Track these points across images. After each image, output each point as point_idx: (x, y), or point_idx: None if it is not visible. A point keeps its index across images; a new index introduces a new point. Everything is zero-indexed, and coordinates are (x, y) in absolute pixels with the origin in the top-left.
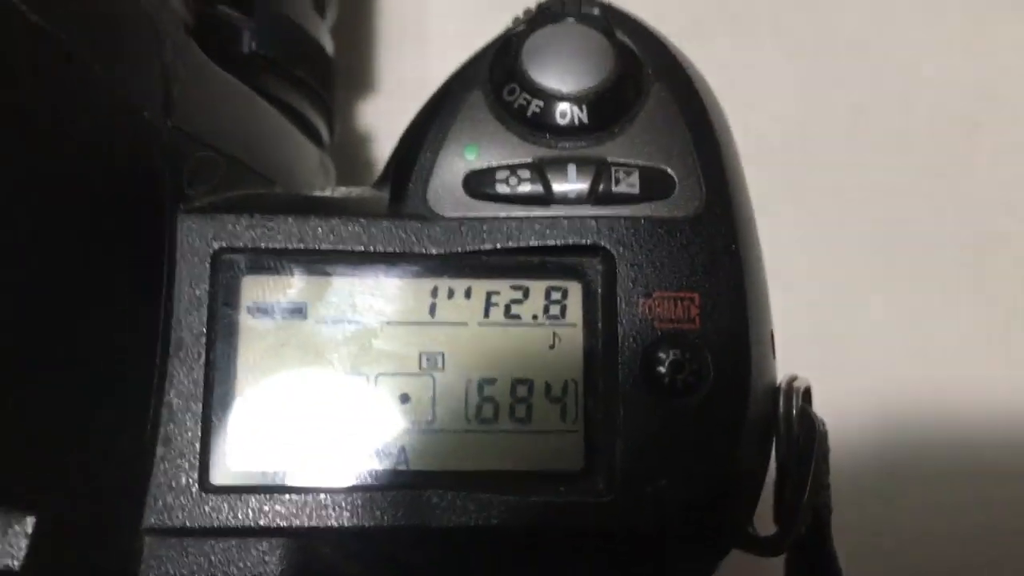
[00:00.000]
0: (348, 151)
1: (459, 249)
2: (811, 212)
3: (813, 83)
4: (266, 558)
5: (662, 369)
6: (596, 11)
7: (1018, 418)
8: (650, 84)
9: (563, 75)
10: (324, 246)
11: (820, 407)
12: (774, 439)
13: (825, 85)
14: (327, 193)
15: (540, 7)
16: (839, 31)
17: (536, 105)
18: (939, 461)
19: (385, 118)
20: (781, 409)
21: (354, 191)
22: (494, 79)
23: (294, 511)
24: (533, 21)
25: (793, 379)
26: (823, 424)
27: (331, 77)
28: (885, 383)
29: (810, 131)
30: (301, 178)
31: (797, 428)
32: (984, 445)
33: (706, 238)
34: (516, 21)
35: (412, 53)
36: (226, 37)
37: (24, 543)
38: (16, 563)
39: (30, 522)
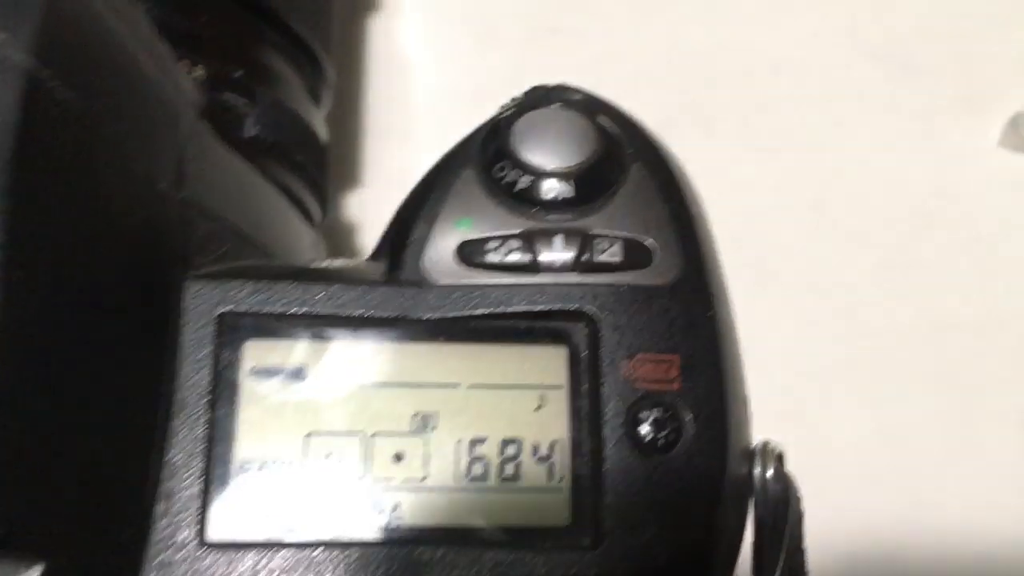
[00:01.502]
0: (334, 239)
1: (452, 314)
2: (775, 302)
3: (776, 179)
4: None
5: (644, 427)
6: (579, 97)
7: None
8: (630, 163)
9: (550, 153)
10: (324, 311)
11: None
12: (752, 499)
13: (788, 181)
14: (324, 264)
15: (527, 93)
16: (800, 130)
17: (525, 181)
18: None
19: (370, 207)
20: (758, 469)
21: (350, 262)
22: (485, 157)
23: (291, 566)
24: (521, 106)
25: (767, 442)
26: (797, 485)
27: (325, 161)
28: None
29: (774, 224)
30: (297, 254)
31: (773, 488)
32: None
33: (684, 303)
34: (504, 107)
35: (397, 147)
36: (231, 121)
37: None
38: None
39: (38, 570)
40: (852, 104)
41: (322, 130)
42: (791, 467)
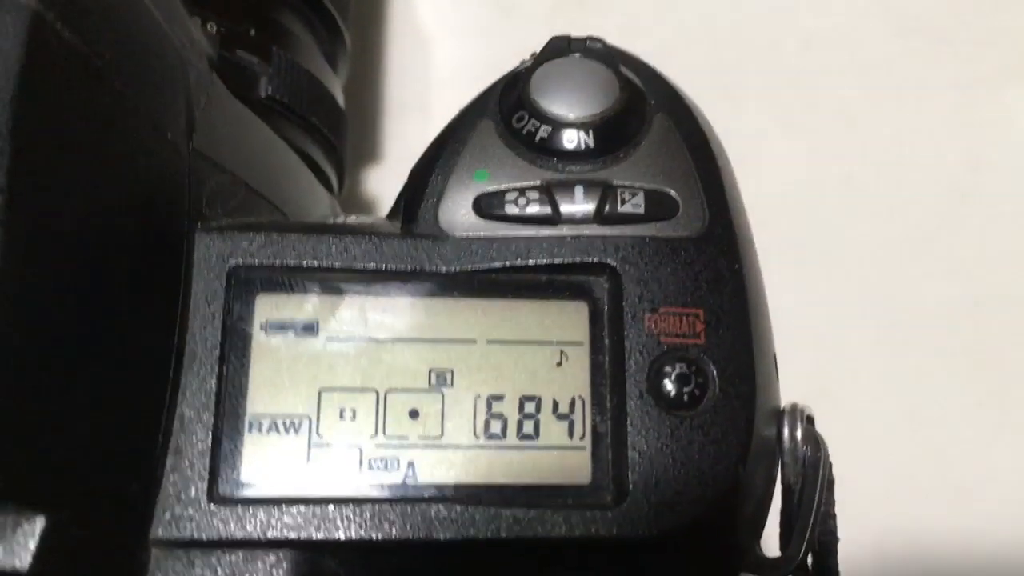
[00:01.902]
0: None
1: (469, 267)
2: (806, 279)
3: (807, 154)
4: (273, 570)
5: (668, 382)
6: (600, 47)
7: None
8: (652, 113)
9: (570, 103)
10: (337, 264)
11: None
12: (779, 460)
13: (817, 156)
14: (339, 220)
15: (548, 43)
16: (831, 104)
17: (544, 131)
18: None
19: (389, 182)
20: (787, 429)
21: (366, 219)
22: (503, 108)
23: (302, 523)
24: (540, 56)
25: (795, 404)
26: (828, 448)
27: (342, 127)
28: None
29: (802, 199)
30: (312, 214)
31: (802, 449)
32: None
33: (709, 256)
34: (523, 61)
35: (416, 121)
36: (245, 79)
37: (32, 543)
38: (23, 564)
39: (39, 522)
40: (885, 77)
41: (340, 95)
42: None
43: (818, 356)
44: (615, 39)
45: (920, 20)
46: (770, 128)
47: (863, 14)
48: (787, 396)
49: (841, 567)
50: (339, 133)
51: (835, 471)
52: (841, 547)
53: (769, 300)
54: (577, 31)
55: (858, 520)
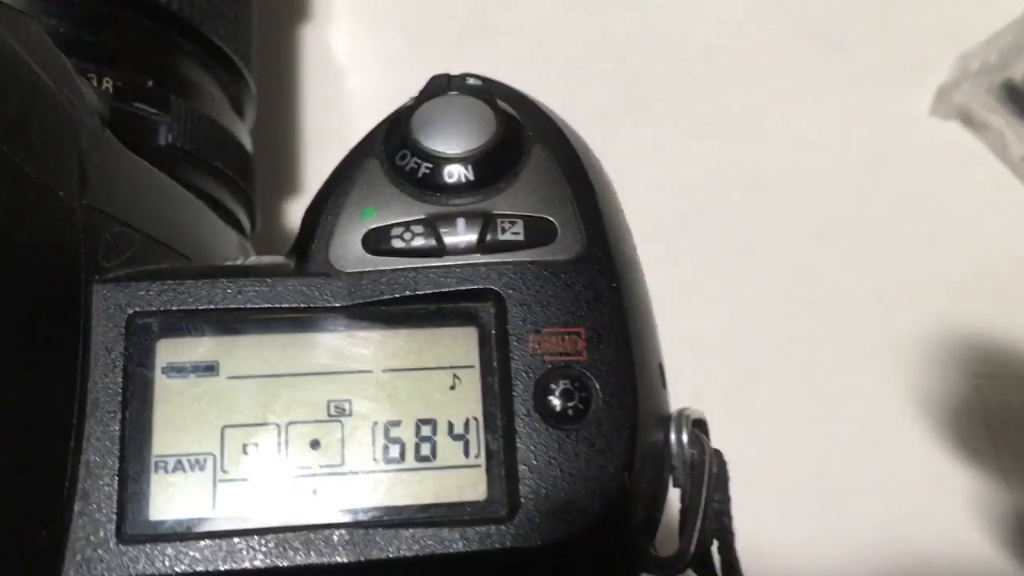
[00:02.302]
0: (276, 247)
1: (360, 300)
2: (718, 281)
3: (713, 160)
4: None
5: (553, 399)
6: (477, 83)
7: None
8: (531, 144)
9: (449, 139)
10: (232, 305)
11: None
12: (668, 464)
13: (725, 161)
14: (237, 262)
15: (427, 83)
16: (734, 111)
17: (426, 167)
18: None
19: None
20: (673, 435)
21: (264, 259)
22: (388, 148)
23: (210, 556)
24: (421, 95)
25: (683, 409)
26: (717, 451)
27: (250, 169)
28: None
29: (713, 204)
30: (219, 257)
31: (689, 452)
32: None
33: (588, 277)
34: (408, 101)
35: (335, 153)
36: (144, 130)
37: None
38: None
39: None
40: (785, 82)
41: (246, 139)
42: (743, 441)
43: (735, 351)
44: (524, 59)
45: (816, 25)
46: (678, 136)
47: (761, 23)
48: (708, 391)
49: (757, 560)
50: (246, 175)
51: (761, 460)
52: (764, 538)
53: (685, 302)
54: (486, 53)
55: (780, 511)
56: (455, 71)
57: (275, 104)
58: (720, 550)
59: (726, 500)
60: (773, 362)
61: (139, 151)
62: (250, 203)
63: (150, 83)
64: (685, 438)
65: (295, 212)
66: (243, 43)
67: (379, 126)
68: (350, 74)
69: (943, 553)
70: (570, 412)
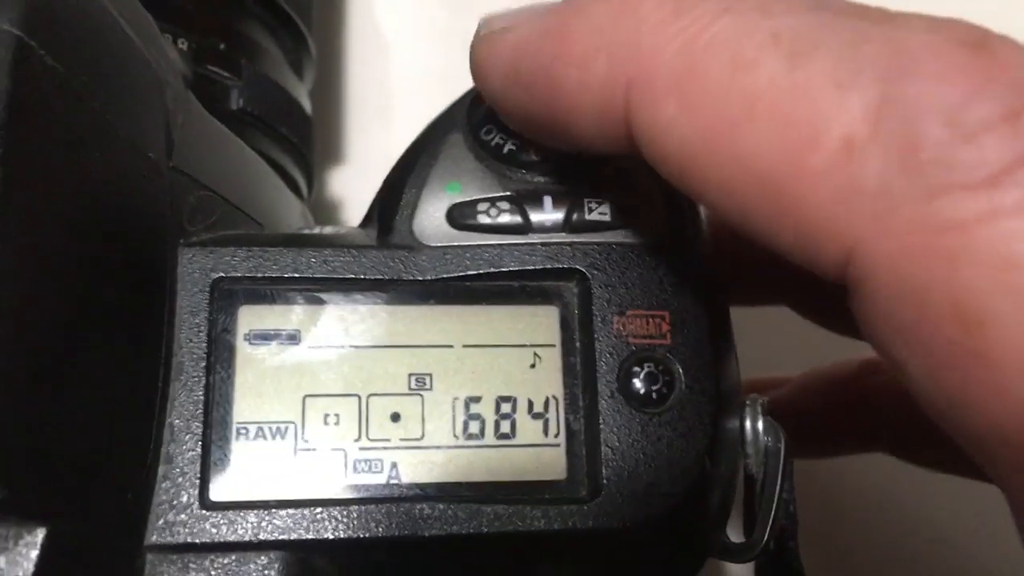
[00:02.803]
0: (319, 216)
1: (444, 275)
2: None
3: None
4: (265, 571)
5: (637, 382)
6: None
7: None
8: None
9: None
10: (317, 275)
11: None
12: (743, 451)
13: None
14: (315, 231)
15: None
16: None
17: (512, 144)
18: None
19: (353, 185)
20: (748, 421)
21: (341, 229)
22: (472, 122)
23: (291, 525)
24: None
25: (755, 395)
26: (788, 437)
27: (310, 135)
28: None
29: None
30: (286, 224)
31: (763, 439)
32: None
33: (673, 260)
34: None
35: (378, 124)
36: (217, 94)
37: (35, 554)
38: (25, 574)
39: (41, 533)
40: None
41: (307, 103)
42: None
43: None
44: None
45: None
46: None
47: None
48: None
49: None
50: (307, 141)
51: None
52: None
53: None
54: None
55: None
56: None
57: (320, 73)
58: (781, 538)
59: (792, 489)
60: None
61: (212, 115)
62: (309, 169)
63: (222, 46)
64: (760, 425)
65: (336, 182)
66: (306, 7)
67: (462, 99)
68: (396, 46)
69: None
70: (654, 395)
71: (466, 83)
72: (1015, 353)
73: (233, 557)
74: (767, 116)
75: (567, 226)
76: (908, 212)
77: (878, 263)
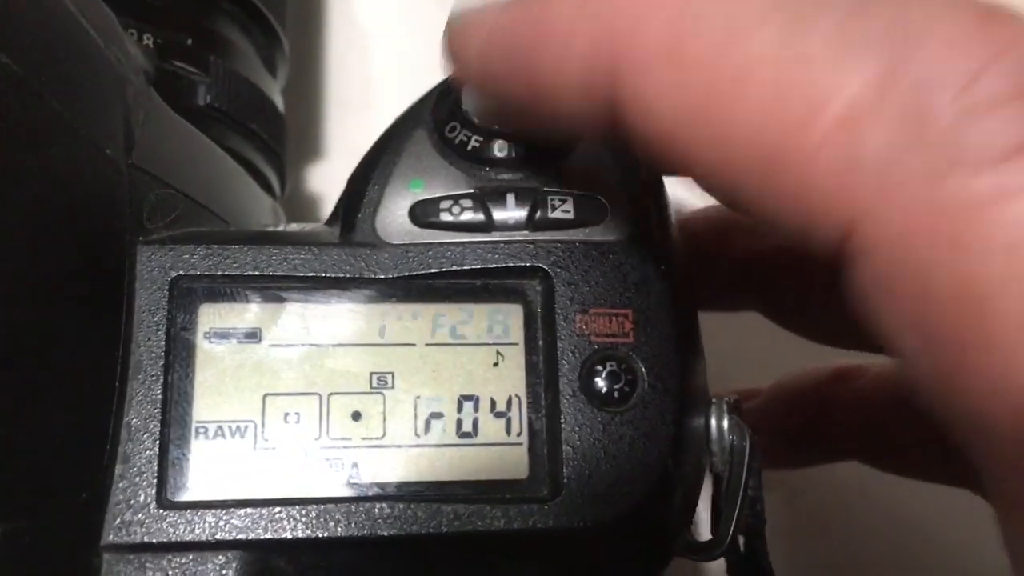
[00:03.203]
0: (297, 211)
1: (406, 273)
2: None
3: None
4: (223, 571)
5: (599, 380)
6: None
7: None
8: None
9: None
10: (277, 272)
11: None
12: (707, 450)
13: None
14: (279, 228)
15: None
16: None
17: (476, 140)
18: None
19: (332, 180)
20: (714, 420)
21: (306, 227)
22: (436, 118)
23: (250, 524)
24: None
25: (722, 395)
26: (754, 436)
27: (282, 131)
28: None
29: None
30: (254, 221)
31: (728, 438)
32: None
33: (637, 259)
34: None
35: (357, 118)
36: (183, 89)
37: None
38: None
39: None
40: None
41: (279, 100)
42: None
43: None
44: None
45: None
46: None
47: None
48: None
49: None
50: (279, 138)
51: None
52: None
53: None
54: None
55: None
56: None
57: (298, 66)
58: (750, 537)
59: (759, 487)
60: None
61: (177, 111)
62: (282, 167)
63: (189, 41)
64: (726, 424)
65: (315, 177)
66: (278, 2)
67: (427, 96)
68: (375, 39)
69: None
70: (616, 394)
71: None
72: (1018, 339)
73: (191, 557)
74: (764, 87)
75: (530, 224)
76: (913, 189)
77: (879, 240)
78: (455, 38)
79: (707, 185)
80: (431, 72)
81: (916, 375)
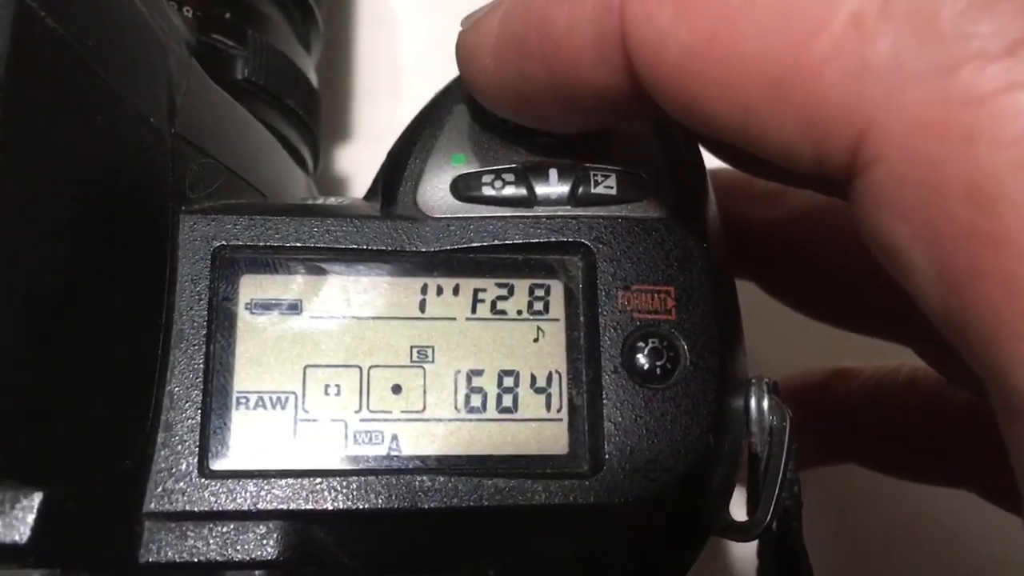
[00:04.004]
0: (326, 193)
1: (448, 247)
2: None
3: None
4: (263, 541)
5: (641, 357)
6: None
7: None
8: None
9: None
10: (320, 244)
11: None
12: (747, 429)
13: None
14: (319, 201)
15: None
16: None
17: None
18: None
19: (360, 162)
20: (753, 400)
21: (345, 200)
22: None
23: (290, 495)
24: None
25: (761, 375)
26: (792, 417)
27: (317, 107)
28: None
29: None
30: (290, 195)
31: (768, 418)
32: None
33: (679, 235)
34: None
35: (386, 101)
36: (222, 62)
37: (31, 518)
38: (22, 538)
39: (37, 498)
40: None
41: (313, 76)
42: None
43: None
44: None
45: None
46: None
47: None
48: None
49: None
50: (313, 114)
51: None
52: None
53: None
54: None
55: None
56: None
57: (329, 48)
58: (785, 518)
59: (796, 469)
60: None
61: (216, 84)
62: (316, 143)
63: (227, 15)
64: (766, 404)
65: (344, 158)
66: None
67: None
68: (405, 22)
69: None
70: (657, 371)
71: None
72: None
73: (231, 526)
74: (771, 4)
75: (572, 199)
76: (922, 87)
77: (890, 142)
78: (466, 42)
79: (719, 124)
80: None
81: (925, 286)
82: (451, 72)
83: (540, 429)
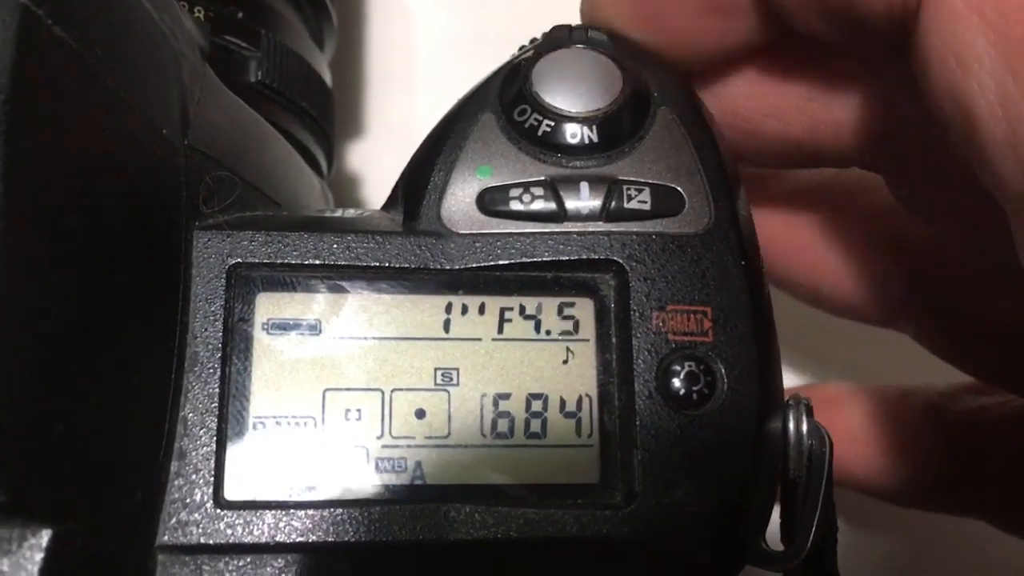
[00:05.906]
0: (337, 190)
1: (473, 265)
2: None
3: None
4: (282, 575)
5: (676, 381)
6: (603, 38)
7: None
8: (656, 106)
9: (572, 97)
10: (340, 262)
11: None
12: (785, 454)
13: None
14: (337, 214)
15: (547, 35)
16: None
17: (547, 125)
18: None
19: (373, 158)
20: (792, 424)
21: (363, 212)
22: (504, 101)
23: (311, 526)
24: (541, 47)
25: (798, 396)
26: (831, 440)
27: (331, 109)
28: None
29: None
30: (305, 204)
31: (807, 443)
32: None
33: (716, 253)
34: (523, 49)
35: (399, 96)
36: (235, 64)
37: (39, 557)
38: None
39: (46, 535)
40: None
41: (327, 75)
42: None
43: None
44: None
45: None
46: None
47: None
48: None
49: None
50: (328, 116)
51: None
52: None
53: None
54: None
55: None
56: (525, 17)
57: (341, 42)
58: (822, 544)
59: (832, 494)
60: None
61: (229, 87)
62: (330, 145)
63: (240, 15)
64: (804, 427)
65: (356, 155)
66: None
67: (494, 76)
68: (418, 16)
69: None
70: (694, 396)
71: (491, 53)
72: None
73: (248, 559)
74: None
75: (604, 214)
76: None
77: None
78: None
79: None
80: (476, 48)
81: (983, 138)
82: (467, 67)
83: (570, 456)
